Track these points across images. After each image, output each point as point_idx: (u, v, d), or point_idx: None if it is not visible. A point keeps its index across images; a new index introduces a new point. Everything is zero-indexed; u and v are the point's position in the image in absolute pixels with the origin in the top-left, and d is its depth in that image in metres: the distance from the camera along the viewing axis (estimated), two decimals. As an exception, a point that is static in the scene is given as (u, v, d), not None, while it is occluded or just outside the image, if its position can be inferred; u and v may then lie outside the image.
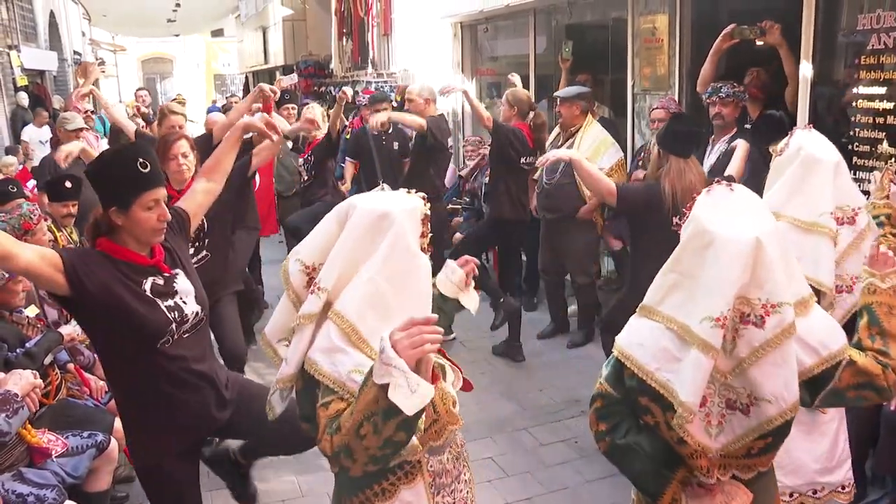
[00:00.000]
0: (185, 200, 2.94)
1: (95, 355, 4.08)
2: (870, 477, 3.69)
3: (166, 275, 2.56)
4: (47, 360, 3.48)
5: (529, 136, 5.42)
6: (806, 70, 4.52)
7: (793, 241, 2.50)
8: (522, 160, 5.41)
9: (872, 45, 4.16)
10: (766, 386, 1.85)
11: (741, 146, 4.08)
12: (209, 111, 12.04)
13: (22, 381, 2.99)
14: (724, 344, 1.84)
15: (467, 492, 2.13)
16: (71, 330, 3.75)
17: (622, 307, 3.86)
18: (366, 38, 11.07)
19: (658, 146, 3.95)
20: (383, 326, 1.75)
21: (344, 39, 12.21)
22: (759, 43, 4.70)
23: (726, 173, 3.62)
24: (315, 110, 6.31)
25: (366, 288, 1.86)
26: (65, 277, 2.34)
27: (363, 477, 1.85)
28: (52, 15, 12.99)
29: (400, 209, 1.90)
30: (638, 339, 1.97)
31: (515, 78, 6.20)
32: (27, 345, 3.39)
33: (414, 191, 2.01)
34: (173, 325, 2.50)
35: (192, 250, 3.07)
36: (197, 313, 2.61)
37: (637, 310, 2.02)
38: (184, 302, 2.57)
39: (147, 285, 2.49)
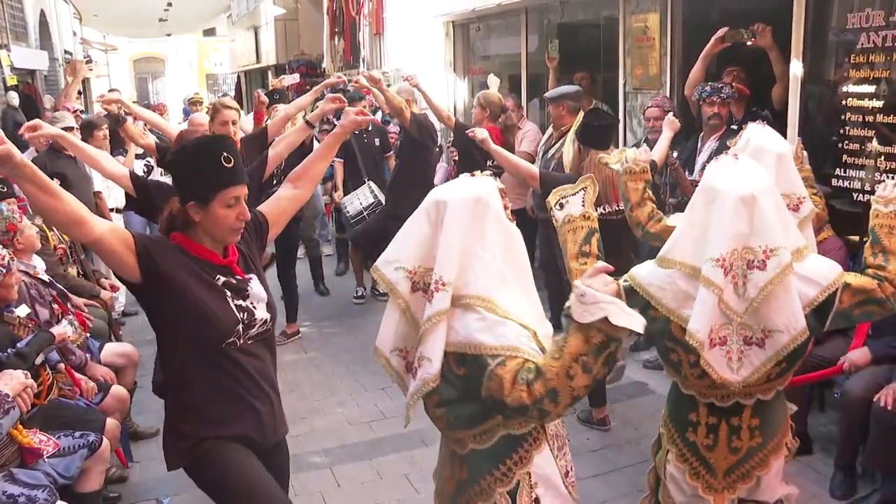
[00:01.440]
0: (268, 205, 2.76)
1: (87, 355, 4.07)
2: (860, 472, 3.72)
3: (239, 277, 2.46)
4: (38, 361, 3.47)
5: (498, 138, 5.43)
6: (796, 69, 4.54)
7: None
8: (489, 163, 5.39)
9: (862, 44, 4.18)
10: (776, 319, 2.24)
11: (666, 132, 4.35)
12: (185, 112, 11.84)
13: (13, 381, 2.97)
14: (737, 289, 2.21)
15: (569, 455, 2.27)
16: (62, 330, 3.73)
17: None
18: (358, 37, 11.06)
19: (577, 141, 4.28)
20: (511, 297, 2.01)
21: (336, 39, 12.20)
22: (747, 43, 4.72)
23: (650, 158, 3.62)
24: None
25: (490, 267, 2.02)
26: (135, 257, 2.25)
27: (502, 448, 2.04)
28: (42, 14, 12.92)
29: (485, 190, 2.05)
30: (659, 283, 2.37)
31: (493, 80, 6.22)
32: (18, 345, 3.37)
33: (479, 172, 2.16)
34: (240, 326, 2.39)
35: None
36: (265, 321, 2.49)
37: (656, 260, 2.42)
38: (254, 307, 2.45)
39: (220, 281, 2.40)
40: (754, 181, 2.24)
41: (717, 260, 2.19)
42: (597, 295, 1.76)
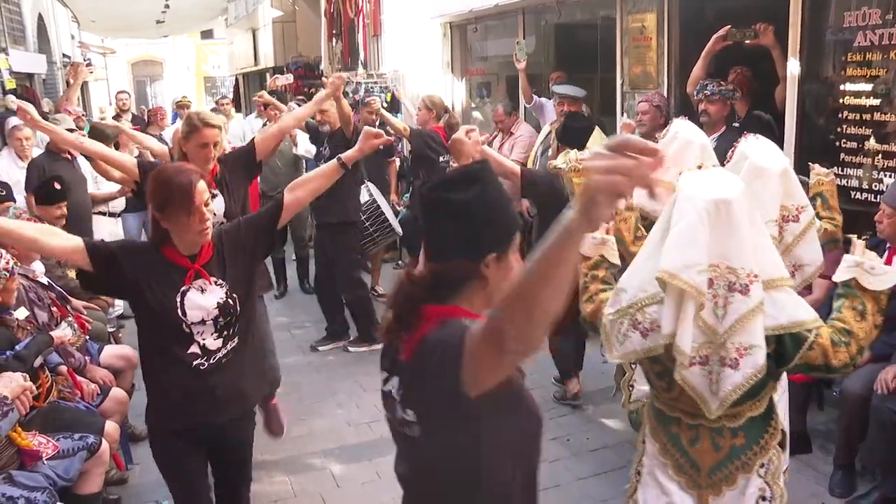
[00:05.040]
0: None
1: (86, 358, 4.07)
2: (859, 470, 3.72)
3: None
4: (37, 363, 3.47)
5: (444, 136, 5.89)
6: (793, 68, 4.54)
7: (666, 202, 2.92)
8: (441, 159, 5.93)
9: (859, 43, 4.18)
10: (805, 256, 2.79)
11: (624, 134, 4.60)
12: (175, 116, 11.36)
13: (12, 383, 2.98)
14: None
15: None
16: (61, 333, 3.74)
17: None
18: (356, 39, 11.05)
19: (557, 141, 4.65)
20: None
21: (334, 40, 12.19)
22: (746, 42, 4.72)
23: None
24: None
25: (773, 250, 2.30)
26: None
27: (769, 408, 2.38)
28: (40, 18, 12.92)
29: (738, 181, 2.30)
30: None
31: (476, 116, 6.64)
32: (17, 347, 3.37)
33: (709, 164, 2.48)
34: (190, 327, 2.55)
35: (219, 341, 2.61)
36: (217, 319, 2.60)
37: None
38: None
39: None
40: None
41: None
42: (882, 267, 2.26)
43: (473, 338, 1.35)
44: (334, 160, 2.95)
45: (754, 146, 2.89)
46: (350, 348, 6.01)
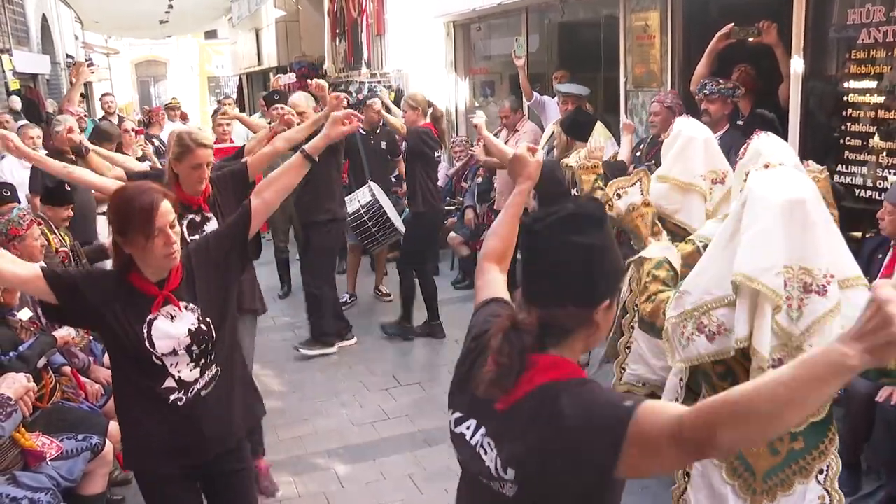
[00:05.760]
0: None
1: (90, 358, 4.08)
2: (865, 469, 3.70)
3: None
4: (41, 364, 3.48)
5: (435, 130, 6.04)
6: (797, 65, 4.52)
7: (674, 198, 3.42)
8: (436, 154, 6.14)
9: (863, 40, 4.17)
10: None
11: (625, 135, 5.28)
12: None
13: (15, 384, 2.98)
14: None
15: None
16: (65, 333, 3.74)
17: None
18: (359, 38, 11.05)
19: (564, 133, 4.98)
20: None
21: (337, 40, 12.19)
22: (750, 40, 4.70)
23: (618, 159, 4.74)
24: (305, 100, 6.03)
25: (844, 247, 2.24)
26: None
27: (830, 414, 2.33)
28: (44, 18, 12.95)
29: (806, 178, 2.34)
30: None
31: (479, 115, 6.67)
32: (20, 348, 3.37)
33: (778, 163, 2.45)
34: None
35: (196, 371, 2.40)
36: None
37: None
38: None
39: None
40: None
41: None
42: None
43: (662, 435, 1.30)
44: (297, 153, 2.67)
45: (767, 143, 2.85)
46: (301, 349, 5.87)
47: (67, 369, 3.79)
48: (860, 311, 2.04)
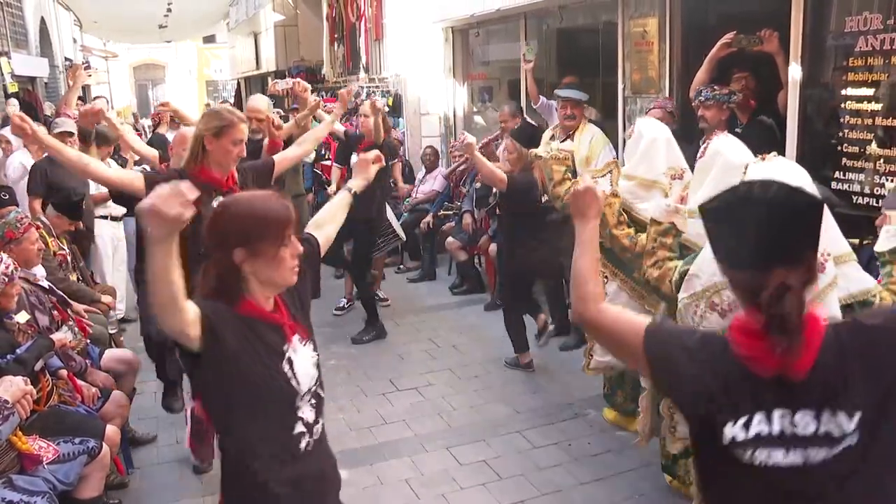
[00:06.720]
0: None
1: (87, 362, 4.07)
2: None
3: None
4: (38, 367, 3.47)
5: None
6: (795, 73, 4.54)
7: (639, 194, 3.74)
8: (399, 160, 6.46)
9: (860, 48, 4.18)
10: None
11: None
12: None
13: (12, 387, 2.97)
14: None
15: None
16: (62, 336, 3.74)
17: (509, 282, 5.60)
18: (357, 43, 11.07)
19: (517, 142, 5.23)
20: None
21: (336, 45, 12.22)
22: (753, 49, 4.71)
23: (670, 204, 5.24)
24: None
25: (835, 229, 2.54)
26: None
27: None
28: (42, 21, 12.96)
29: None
30: None
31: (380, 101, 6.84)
32: (18, 351, 3.37)
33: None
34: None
35: (313, 412, 2.18)
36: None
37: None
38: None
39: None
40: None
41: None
42: None
43: None
44: (345, 192, 2.62)
45: (725, 143, 3.13)
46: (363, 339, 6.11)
47: (64, 372, 3.77)
48: (852, 282, 2.36)
